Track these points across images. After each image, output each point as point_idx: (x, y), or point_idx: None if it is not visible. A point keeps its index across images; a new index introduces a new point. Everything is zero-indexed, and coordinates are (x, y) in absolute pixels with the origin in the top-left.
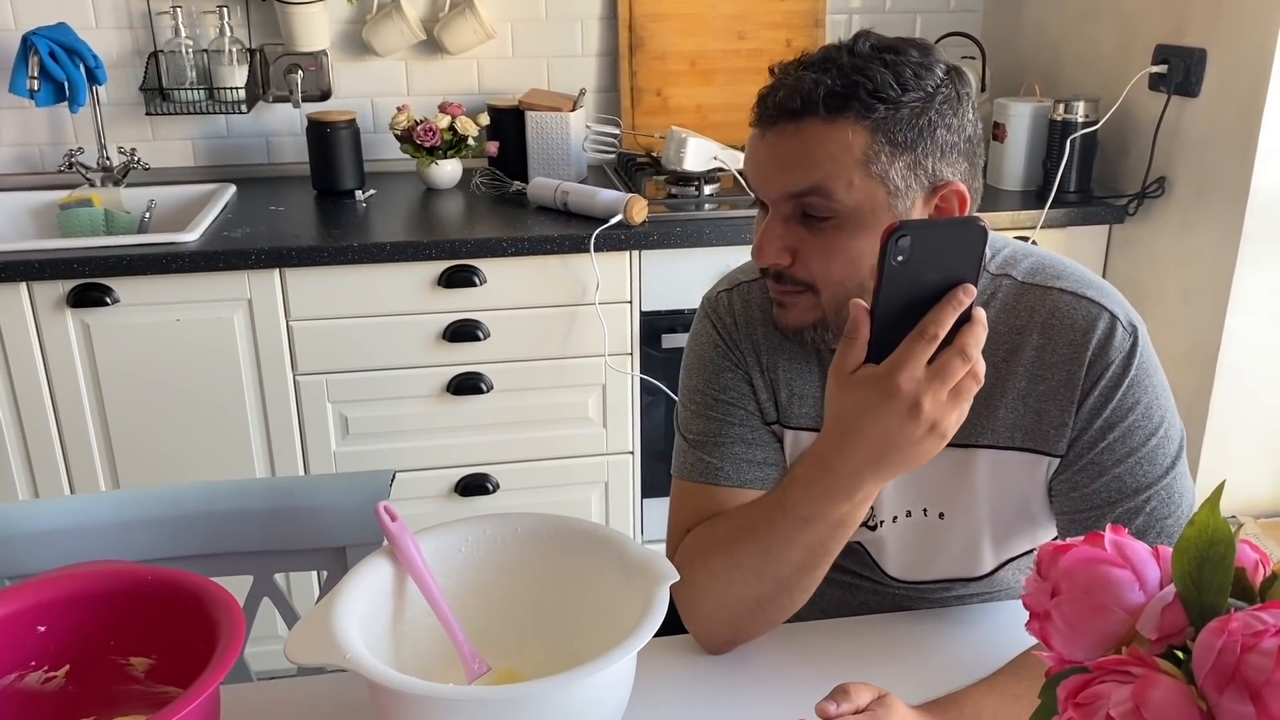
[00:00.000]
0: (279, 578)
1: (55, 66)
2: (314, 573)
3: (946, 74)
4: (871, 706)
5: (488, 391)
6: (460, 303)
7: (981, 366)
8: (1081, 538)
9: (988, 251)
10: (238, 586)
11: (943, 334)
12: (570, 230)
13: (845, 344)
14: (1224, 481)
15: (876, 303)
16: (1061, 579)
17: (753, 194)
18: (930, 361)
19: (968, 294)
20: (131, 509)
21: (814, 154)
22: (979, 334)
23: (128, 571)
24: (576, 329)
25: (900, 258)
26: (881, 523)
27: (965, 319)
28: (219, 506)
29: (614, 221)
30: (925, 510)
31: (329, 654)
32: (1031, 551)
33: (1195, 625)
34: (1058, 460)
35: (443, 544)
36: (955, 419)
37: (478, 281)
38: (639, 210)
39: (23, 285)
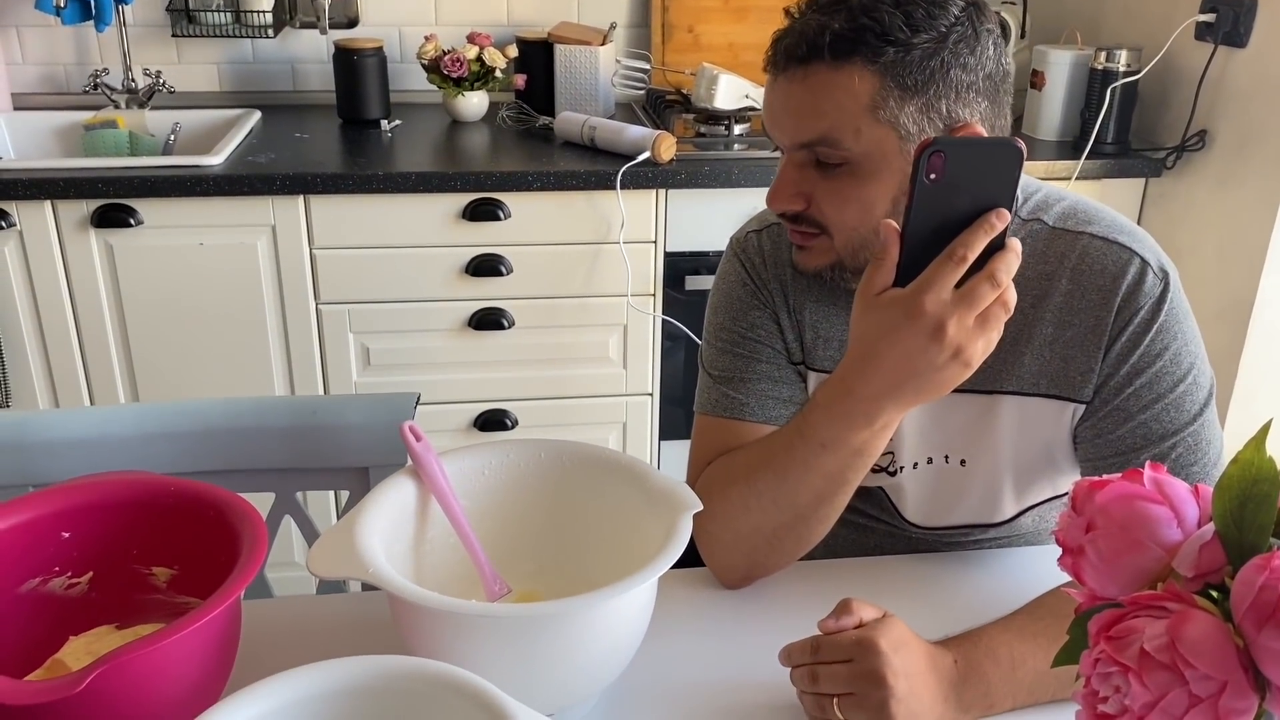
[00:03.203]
0: (299, 496)
1: None
2: (334, 492)
3: (963, 10)
4: (872, 623)
5: (509, 328)
6: (484, 237)
7: (1012, 295)
8: (1118, 475)
9: (1020, 195)
10: (259, 503)
11: (972, 257)
12: (597, 166)
13: (873, 265)
14: (1270, 420)
15: (907, 223)
16: (1097, 514)
17: (769, 139)
18: (959, 286)
19: (1001, 219)
20: (155, 422)
21: (821, 103)
22: (1011, 262)
23: (152, 481)
24: (600, 267)
25: (932, 175)
26: (902, 469)
27: (999, 246)
28: (242, 423)
29: (641, 159)
30: (947, 457)
31: (352, 568)
32: (1054, 499)
33: (1234, 564)
34: (1083, 406)
35: (466, 466)
36: (982, 347)
37: (502, 215)
38: (667, 147)
39: (47, 204)
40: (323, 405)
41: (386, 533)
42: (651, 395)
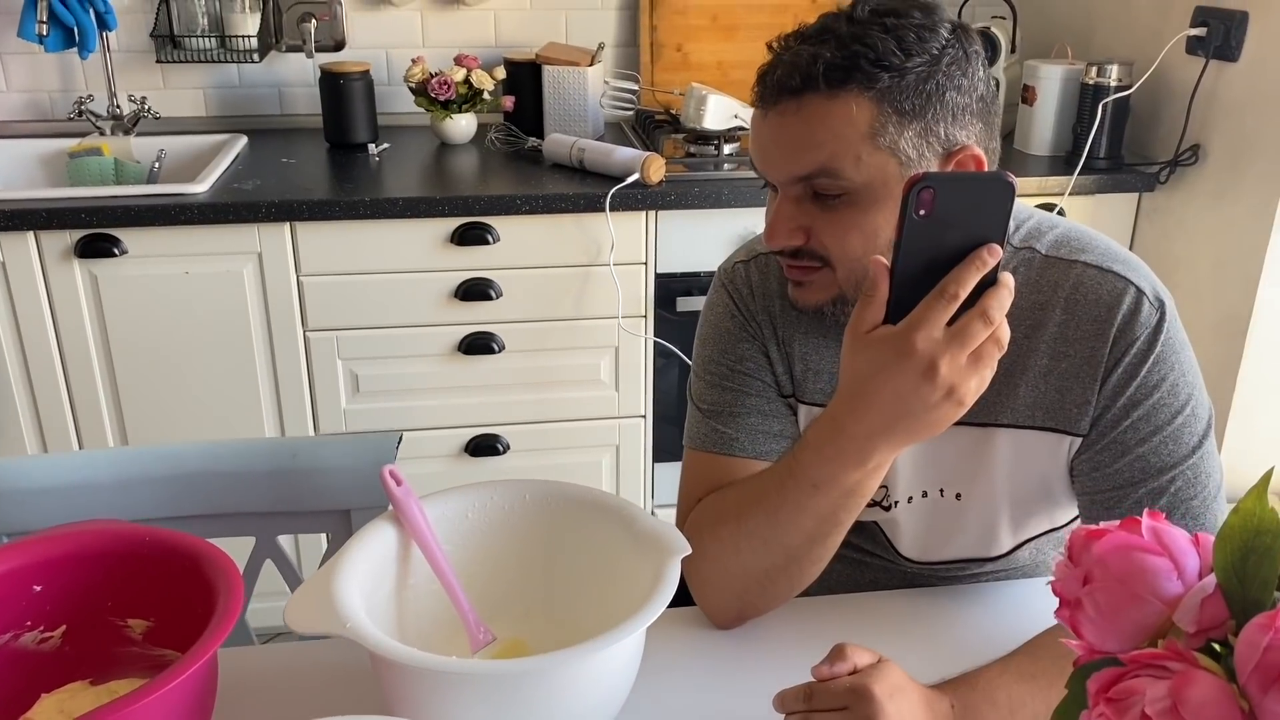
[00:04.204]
0: (286, 539)
1: (64, 11)
2: (320, 534)
3: (952, 33)
4: (866, 669)
5: (499, 352)
6: (472, 261)
7: (1005, 332)
8: (1116, 522)
9: (1011, 223)
10: (240, 547)
11: (964, 294)
12: (585, 189)
13: (863, 302)
14: (1272, 469)
15: (896, 260)
16: (1095, 566)
17: (760, 176)
18: (951, 324)
19: (993, 254)
20: (132, 467)
21: (818, 133)
22: (1004, 298)
23: (125, 532)
24: (590, 290)
25: (922, 211)
26: (896, 503)
27: (990, 282)
28: (222, 466)
29: (630, 180)
30: (942, 491)
31: (329, 623)
32: (1050, 531)
33: (1237, 619)
34: (1080, 439)
35: (449, 510)
36: (975, 385)
37: (490, 239)
38: (656, 169)
39: (30, 234)
40: (303, 447)
41: (367, 582)
42: (645, 417)
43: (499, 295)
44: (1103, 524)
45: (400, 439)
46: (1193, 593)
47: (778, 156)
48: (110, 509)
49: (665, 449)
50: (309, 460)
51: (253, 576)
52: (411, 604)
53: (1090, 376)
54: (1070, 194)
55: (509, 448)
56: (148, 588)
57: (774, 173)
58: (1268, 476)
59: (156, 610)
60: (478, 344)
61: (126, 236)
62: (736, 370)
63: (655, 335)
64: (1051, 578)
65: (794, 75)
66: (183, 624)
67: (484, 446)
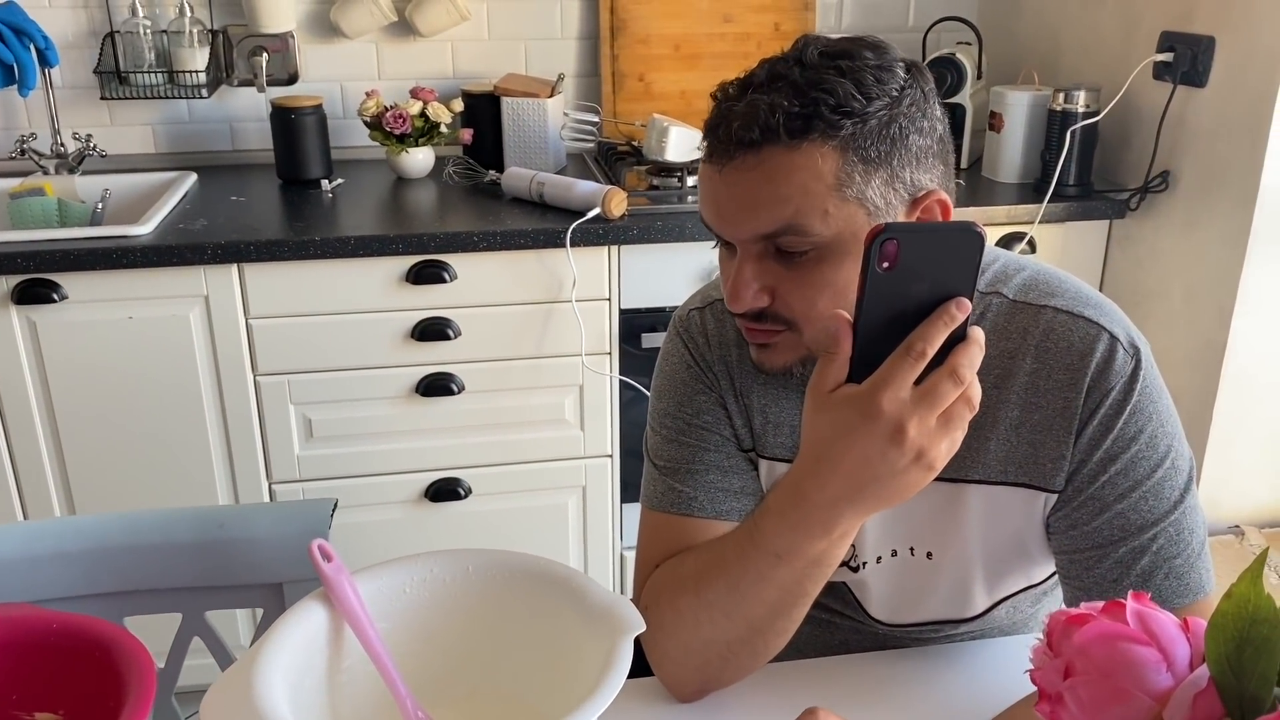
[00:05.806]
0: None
1: (3, 48)
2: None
3: (908, 72)
4: None
5: (459, 393)
6: (429, 300)
7: (976, 391)
8: (1099, 604)
9: None
10: (166, 625)
11: (931, 351)
12: (545, 224)
13: (824, 360)
14: (1267, 549)
15: (859, 315)
16: (1076, 657)
17: (713, 234)
18: (919, 383)
19: (961, 309)
20: (45, 541)
21: (781, 188)
22: (974, 355)
23: (31, 618)
24: (552, 328)
25: (885, 264)
26: (864, 564)
27: (960, 338)
28: (143, 539)
29: (591, 215)
30: (912, 550)
31: None
32: (1028, 589)
33: (1234, 716)
34: (1055, 496)
35: (384, 585)
36: (945, 448)
37: (448, 278)
38: (618, 203)
39: None
40: (230, 517)
41: (294, 668)
42: (611, 457)
43: (457, 335)
44: (1084, 606)
45: (335, 506)
46: (1184, 687)
47: (737, 214)
48: (20, 589)
49: (634, 487)
50: (237, 530)
51: (179, 655)
52: (347, 688)
53: (1064, 429)
54: (1040, 221)
55: (471, 492)
56: (56, 678)
57: (733, 231)
58: (1263, 557)
59: (67, 702)
60: (436, 385)
61: (66, 281)
62: (694, 424)
63: (620, 373)
64: (1029, 635)
65: (751, 127)
66: (96, 716)
67: (445, 491)
